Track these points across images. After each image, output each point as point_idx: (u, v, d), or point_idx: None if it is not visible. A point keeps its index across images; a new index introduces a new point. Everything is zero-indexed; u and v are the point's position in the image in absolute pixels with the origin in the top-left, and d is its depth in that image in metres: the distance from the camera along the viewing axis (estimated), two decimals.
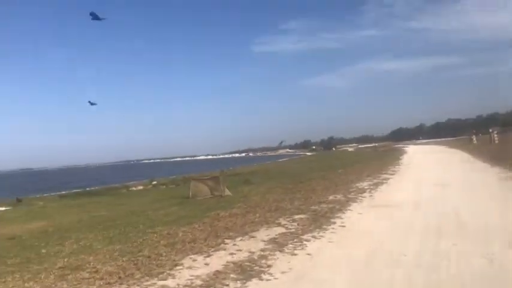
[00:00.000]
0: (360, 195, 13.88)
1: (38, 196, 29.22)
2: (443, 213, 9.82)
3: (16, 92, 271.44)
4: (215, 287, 5.79)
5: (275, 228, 9.29)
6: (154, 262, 7.10)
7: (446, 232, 7.97)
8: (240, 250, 7.60)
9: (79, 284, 6.22)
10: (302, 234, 8.50)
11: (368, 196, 13.65)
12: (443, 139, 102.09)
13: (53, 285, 6.28)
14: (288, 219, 10.28)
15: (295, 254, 7.15)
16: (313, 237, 8.28)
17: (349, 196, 13.68)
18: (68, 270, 6.97)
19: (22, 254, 8.69)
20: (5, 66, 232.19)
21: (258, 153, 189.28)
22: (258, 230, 9.26)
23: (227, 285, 5.81)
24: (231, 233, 9.02)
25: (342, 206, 11.69)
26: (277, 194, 15.61)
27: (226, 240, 8.39)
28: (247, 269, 6.43)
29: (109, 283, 6.15)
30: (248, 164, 68.61)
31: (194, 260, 7.12)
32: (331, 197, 13.61)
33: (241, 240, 8.41)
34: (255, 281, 5.90)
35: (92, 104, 22.97)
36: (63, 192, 32.48)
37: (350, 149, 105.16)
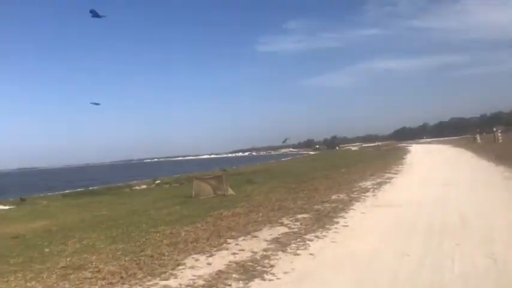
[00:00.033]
0: (363, 194, 13.83)
1: (41, 195, 29.30)
2: (447, 213, 9.77)
3: (16, 92, 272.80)
4: (217, 287, 5.77)
5: (278, 228, 9.27)
6: (156, 262, 7.09)
7: (449, 232, 7.91)
8: (243, 250, 7.57)
9: (81, 283, 6.21)
10: (305, 234, 8.47)
11: (371, 196, 13.60)
12: (446, 138, 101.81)
13: (55, 285, 6.27)
14: (291, 218, 10.25)
15: (298, 254, 7.12)
16: (316, 237, 8.25)
17: (352, 195, 13.64)
18: (70, 270, 6.96)
19: (25, 253, 8.71)
20: (5, 66, 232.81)
21: (262, 153, 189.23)
22: (260, 229, 9.24)
23: (229, 285, 5.78)
24: (233, 233, 9.00)
25: (345, 206, 11.64)
26: (280, 193, 15.58)
27: (229, 240, 8.37)
28: (249, 269, 6.40)
29: (111, 283, 6.13)
30: (251, 163, 68.68)
31: (196, 260, 7.10)
32: (334, 197, 13.57)
33: (243, 240, 8.39)
34: (257, 281, 5.88)
35: (96, 104, 22.97)
36: (66, 191, 32.55)
37: (353, 148, 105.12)
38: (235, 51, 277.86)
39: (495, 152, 27.55)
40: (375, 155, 46.90)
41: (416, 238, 7.64)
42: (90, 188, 33.80)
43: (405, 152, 49.42)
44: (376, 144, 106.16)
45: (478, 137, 54.89)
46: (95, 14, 14.80)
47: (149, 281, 6.15)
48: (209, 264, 6.84)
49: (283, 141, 55.58)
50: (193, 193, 16.59)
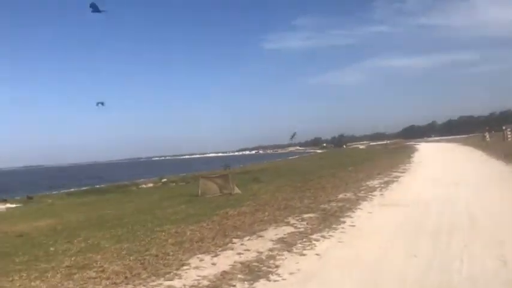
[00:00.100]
0: (370, 193, 13.71)
1: (47, 193, 29.47)
2: (455, 213, 9.63)
3: (16, 92, 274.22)
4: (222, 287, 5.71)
5: (284, 227, 9.18)
6: (161, 261, 7.04)
7: (458, 232, 7.78)
8: (248, 250, 7.50)
9: (85, 283, 6.18)
10: (311, 234, 8.38)
11: (378, 195, 13.47)
12: (455, 136, 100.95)
13: (59, 285, 6.25)
14: (297, 218, 10.17)
15: (304, 254, 7.04)
16: (323, 236, 8.16)
17: (359, 195, 13.52)
18: (75, 269, 6.94)
19: (30, 251, 8.71)
20: (5, 66, 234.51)
21: (268, 151, 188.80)
22: (266, 229, 9.16)
23: (234, 286, 5.72)
24: (239, 232, 8.93)
25: (351, 205, 11.53)
26: (287, 192, 15.49)
27: (234, 240, 8.30)
28: (254, 270, 6.33)
29: (115, 283, 6.09)
30: (258, 161, 68.64)
31: (201, 260, 7.04)
32: (341, 196, 13.45)
33: (249, 239, 8.32)
34: (262, 281, 5.80)
35: (101, 104, 22.93)
36: (72, 189, 32.66)
37: (361, 147, 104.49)
38: (240, 50, 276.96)
39: (504, 151, 27.22)
40: (382, 154, 46.58)
41: (424, 238, 7.52)
42: (96, 186, 33.93)
43: (413, 150, 49.00)
44: (385, 142, 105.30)
45: (487, 135, 54.30)
46: (95, 9, 14.68)
47: (153, 281, 6.10)
48: (214, 264, 6.77)
49: (291, 137, 54.75)
50: (199, 192, 16.56)
